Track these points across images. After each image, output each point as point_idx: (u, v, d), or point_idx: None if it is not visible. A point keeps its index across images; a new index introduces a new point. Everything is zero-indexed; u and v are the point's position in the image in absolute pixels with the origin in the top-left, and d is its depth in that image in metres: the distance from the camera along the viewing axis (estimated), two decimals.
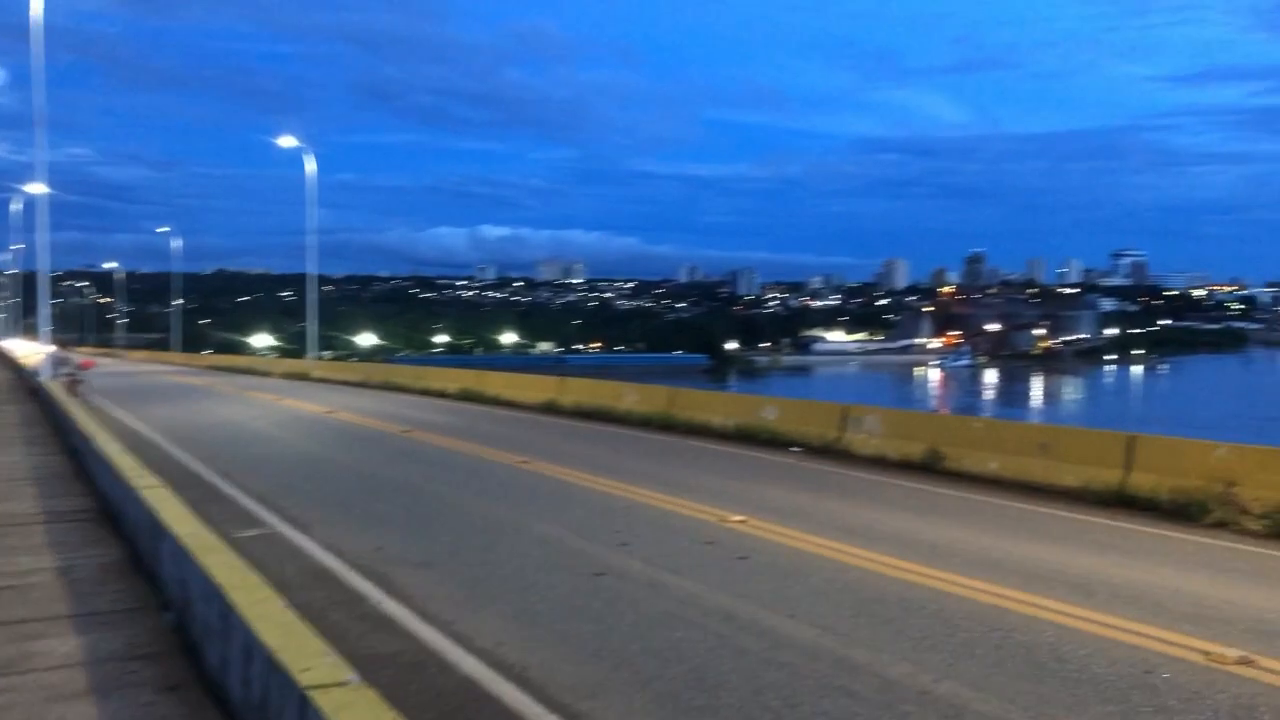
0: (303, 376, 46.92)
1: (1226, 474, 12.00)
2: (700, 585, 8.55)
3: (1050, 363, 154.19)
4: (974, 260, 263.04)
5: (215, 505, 12.22)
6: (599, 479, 14.35)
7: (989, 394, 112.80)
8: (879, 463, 16.23)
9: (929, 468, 15.50)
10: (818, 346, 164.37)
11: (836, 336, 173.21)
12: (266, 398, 32.99)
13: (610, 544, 10.15)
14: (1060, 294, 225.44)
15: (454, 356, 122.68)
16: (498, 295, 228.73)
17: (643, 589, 8.47)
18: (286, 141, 50.20)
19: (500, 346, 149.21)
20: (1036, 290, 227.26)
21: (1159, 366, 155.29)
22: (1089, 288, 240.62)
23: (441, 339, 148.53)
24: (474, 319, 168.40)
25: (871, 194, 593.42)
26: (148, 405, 29.02)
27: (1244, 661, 6.62)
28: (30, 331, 63.80)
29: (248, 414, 26.27)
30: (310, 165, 51.73)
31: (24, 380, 38.54)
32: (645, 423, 22.26)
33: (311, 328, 53.68)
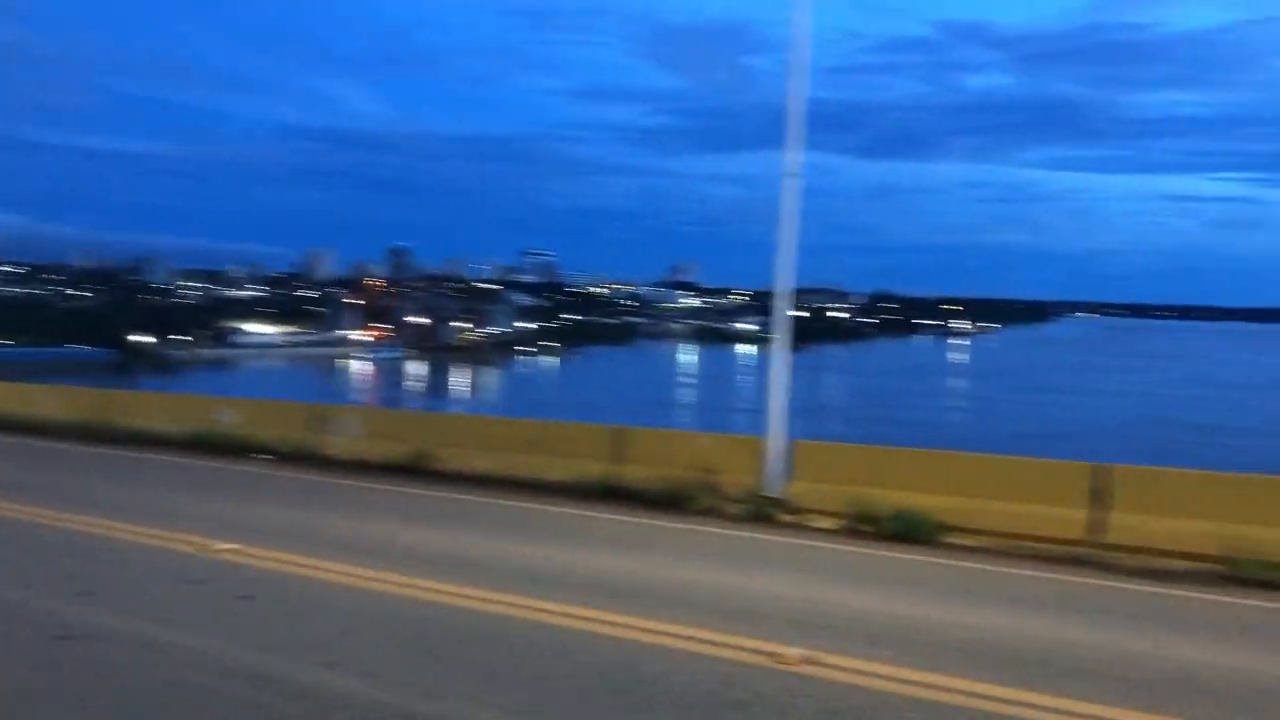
0: None
1: (708, 462, 12.65)
2: (205, 638, 6.94)
3: (474, 355, 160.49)
4: (399, 254, 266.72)
5: None
6: (30, 508, 11.57)
7: (421, 386, 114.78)
8: (360, 467, 15.10)
9: (415, 469, 14.72)
10: (239, 339, 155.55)
11: (259, 328, 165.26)
12: None
13: (67, 593, 8.02)
14: (481, 289, 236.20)
15: None
16: None
17: (130, 652, 6.67)
18: None
19: None
20: (459, 285, 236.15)
21: (567, 357, 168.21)
22: (506, 284, 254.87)
23: None
24: None
25: (295, 182, 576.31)
26: None
27: (808, 661, 6.64)
28: None
29: None
30: None
31: None
32: (71, 432, 18.88)
33: None
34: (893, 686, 6.21)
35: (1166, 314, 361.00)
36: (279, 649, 6.74)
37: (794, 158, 12.46)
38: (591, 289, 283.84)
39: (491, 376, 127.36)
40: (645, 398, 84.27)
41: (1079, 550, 10.17)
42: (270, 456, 15.99)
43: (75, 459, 16.31)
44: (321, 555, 9.43)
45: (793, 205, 12.53)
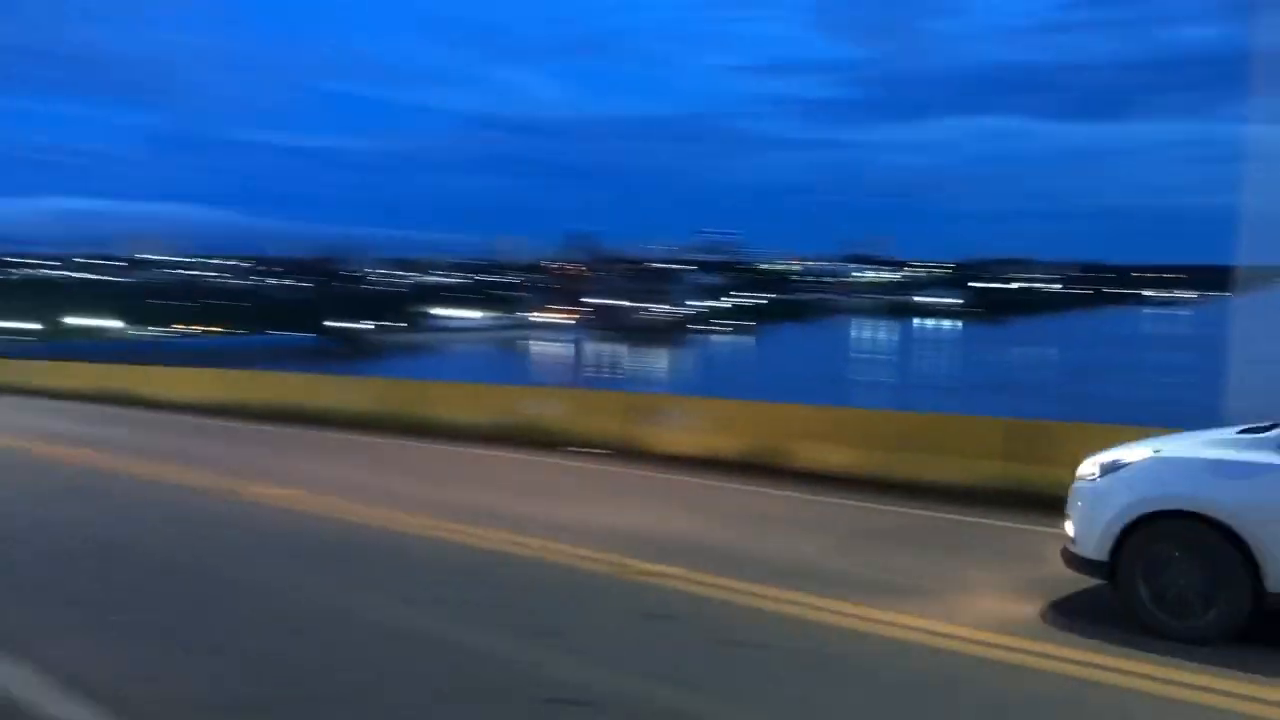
0: None
1: None
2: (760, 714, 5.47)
3: (657, 335, 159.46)
4: (586, 237, 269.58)
5: None
6: (412, 516, 10.36)
7: (626, 367, 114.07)
8: (698, 463, 13.62)
9: (762, 466, 13.13)
10: (439, 323, 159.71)
11: (456, 313, 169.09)
12: None
13: (526, 633, 6.70)
14: (660, 270, 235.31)
15: (43, 345, 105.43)
16: (77, 275, 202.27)
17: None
18: None
19: (76, 332, 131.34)
20: (639, 266, 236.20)
21: (754, 334, 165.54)
22: (686, 263, 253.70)
23: (12, 324, 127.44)
24: (50, 301, 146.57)
25: (483, 170, 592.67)
26: None
27: None
28: None
29: None
30: None
31: None
32: (360, 424, 18.41)
33: None
34: None
35: None
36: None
37: None
38: (775, 265, 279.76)
39: (684, 357, 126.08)
40: (861, 378, 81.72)
41: None
42: (602, 451, 14.78)
43: (398, 455, 15.52)
44: (789, 586, 7.70)
45: None
